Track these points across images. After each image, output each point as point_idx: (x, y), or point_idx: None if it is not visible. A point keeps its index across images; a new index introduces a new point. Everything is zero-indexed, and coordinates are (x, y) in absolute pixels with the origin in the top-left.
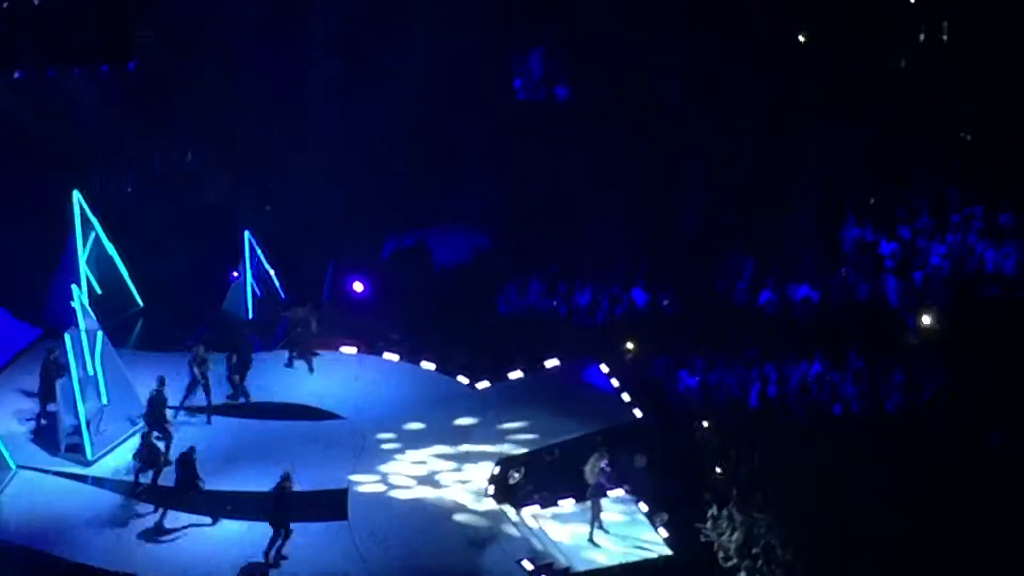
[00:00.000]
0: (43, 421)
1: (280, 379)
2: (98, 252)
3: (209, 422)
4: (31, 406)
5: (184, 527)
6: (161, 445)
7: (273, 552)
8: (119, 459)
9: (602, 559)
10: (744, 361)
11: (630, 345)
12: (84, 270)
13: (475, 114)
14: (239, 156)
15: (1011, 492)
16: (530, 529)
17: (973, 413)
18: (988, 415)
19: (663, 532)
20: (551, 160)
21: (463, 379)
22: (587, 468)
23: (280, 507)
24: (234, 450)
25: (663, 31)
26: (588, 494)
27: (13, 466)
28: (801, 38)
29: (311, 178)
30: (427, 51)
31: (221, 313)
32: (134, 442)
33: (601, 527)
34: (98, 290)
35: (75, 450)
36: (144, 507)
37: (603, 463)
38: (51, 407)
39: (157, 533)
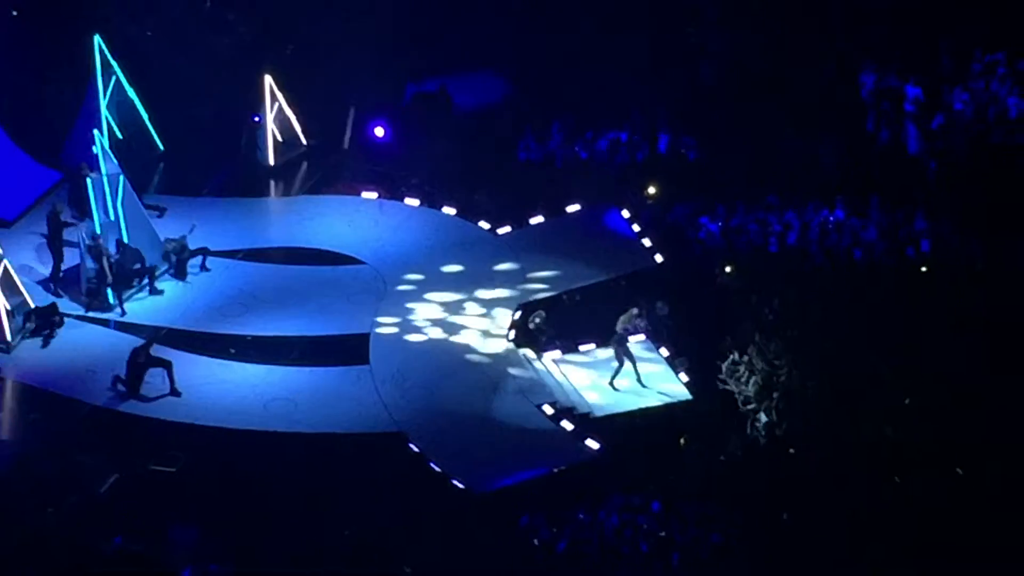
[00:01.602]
0: (61, 270)
1: (300, 225)
2: (119, 97)
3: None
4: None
5: (206, 370)
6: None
7: None
8: (141, 303)
9: (622, 405)
10: (765, 207)
11: (651, 190)
12: (105, 114)
13: None
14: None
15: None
16: (551, 374)
17: (991, 259)
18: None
19: (683, 377)
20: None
21: (484, 224)
22: (619, 321)
23: None
24: (255, 295)
25: None
26: (612, 341)
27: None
28: None
29: (333, 22)
30: None
31: (241, 156)
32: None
33: (630, 372)
34: (119, 135)
35: (96, 295)
36: (167, 350)
37: (637, 321)
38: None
39: (181, 377)
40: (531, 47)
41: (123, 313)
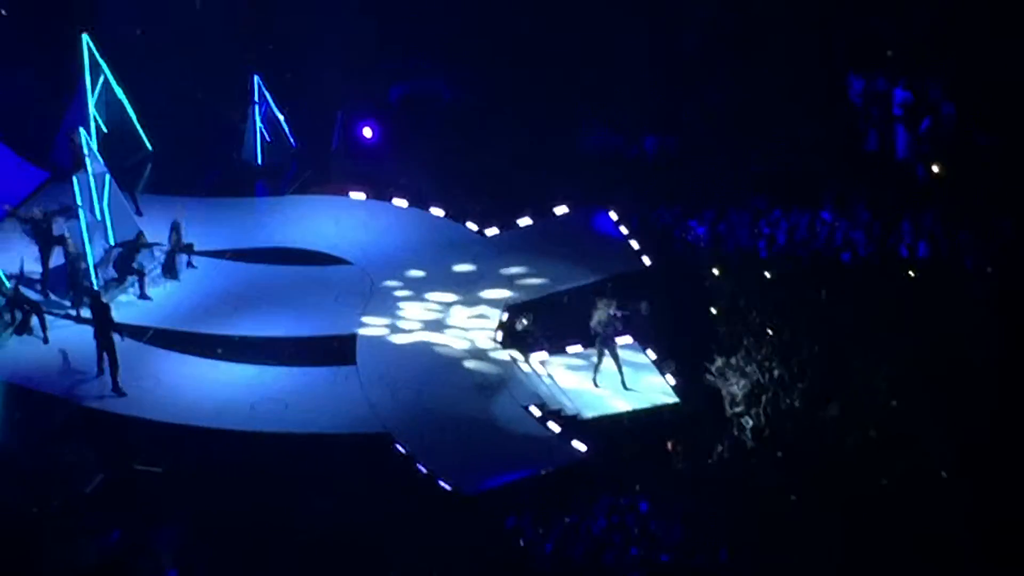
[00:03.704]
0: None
1: (288, 225)
2: (107, 96)
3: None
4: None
5: (194, 371)
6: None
7: None
8: (129, 303)
9: (609, 406)
10: (753, 210)
11: (640, 192)
12: (93, 113)
13: None
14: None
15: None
16: (538, 376)
17: (979, 262)
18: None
19: (671, 380)
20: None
21: (472, 225)
22: (594, 317)
23: None
24: (242, 295)
25: None
26: (597, 343)
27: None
28: None
29: (321, 21)
30: None
31: (230, 158)
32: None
33: (614, 373)
34: (105, 130)
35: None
36: (153, 351)
37: (613, 311)
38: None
39: (167, 377)
40: (519, 48)
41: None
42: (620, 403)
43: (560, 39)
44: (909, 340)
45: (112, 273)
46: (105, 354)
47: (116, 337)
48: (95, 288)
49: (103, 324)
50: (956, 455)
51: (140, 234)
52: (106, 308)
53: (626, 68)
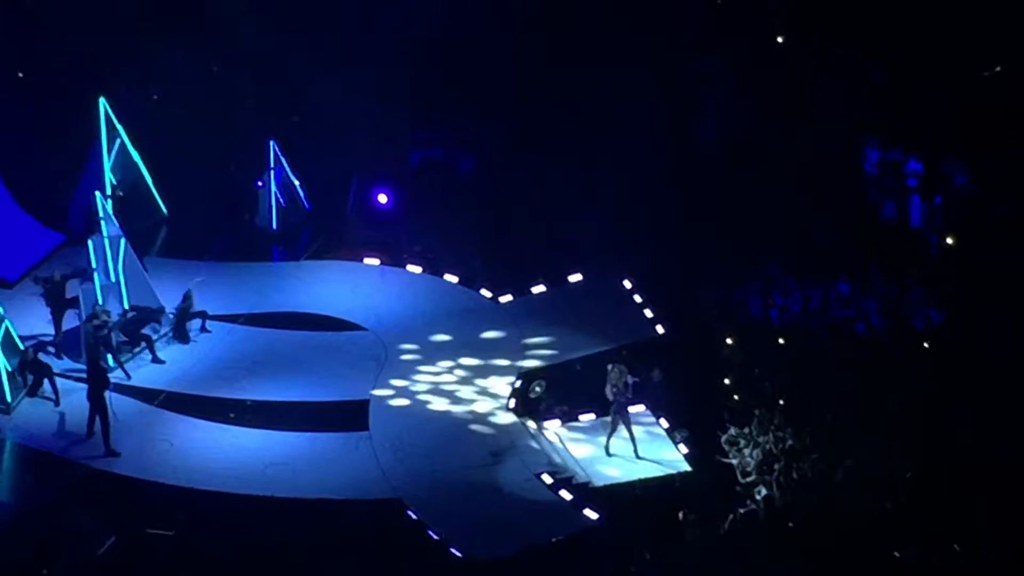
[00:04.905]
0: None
1: (303, 290)
2: (123, 159)
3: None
4: None
5: (206, 434)
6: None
7: None
8: (143, 366)
9: (621, 475)
10: (766, 279)
11: (653, 261)
12: (108, 177)
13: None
14: (266, 66)
15: None
16: (550, 443)
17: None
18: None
19: (683, 449)
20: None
21: (486, 292)
22: (608, 385)
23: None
24: (256, 359)
25: None
26: (610, 411)
27: None
28: None
29: (337, 88)
30: None
31: (244, 223)
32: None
33: (627, 440)
34: (121, 194)
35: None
36: (165, 414)
37: (628, 379)
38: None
39: (179, 440)
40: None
41: (128, 376)
42: (632, 471)
43: (576, 108)
44: (923, 412)
45: (121, 337)
46: (98, 417)
47: (109, 398)
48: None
49: (98, 387)
50: (971, 529)
51: (161, 309)
52: (103, 372)
53: (637, 134)
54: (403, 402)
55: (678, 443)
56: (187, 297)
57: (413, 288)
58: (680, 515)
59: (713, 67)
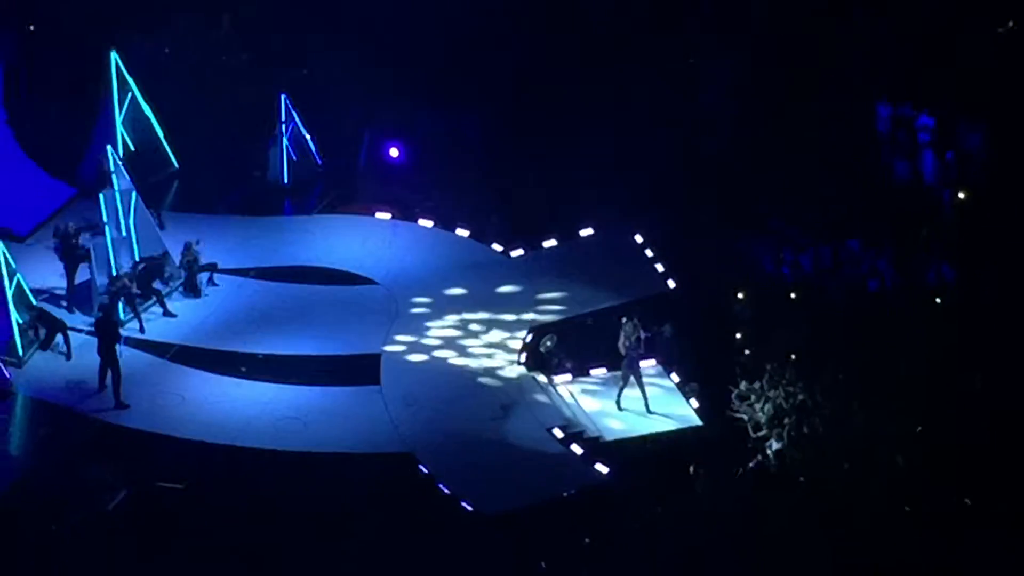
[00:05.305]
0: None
1: (314, 244)
2: (134, 113)
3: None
4: None
5: (217, 388)
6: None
7: None
8: (154, 320)
9: (632, 429)
10: (778, 236)
11: (666, 215)
12: (120, 130)
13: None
14: (277, 19)
15: None
16: (561, 398)
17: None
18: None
19: (694, 403)
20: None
21: (497, 247)
22: (621, 338)
23: None
24: (268, 314)
25: None
26: (622, 365)
27: None
28: None
29: (349, 42)
30: None
31: (254, 177)
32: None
33: (638, 396)
34: (132, 148)
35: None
36: (177, 367)
37: (640, 333)
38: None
39: (190, 394)
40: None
41: (142, 329)
42: (643, 426)
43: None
44: (934, 368)
45: (135, 290)
46: (109, 371)
47: (121, 351)
48: (107, 303)
49: (109, 341)
50: (985, 479)
51: (165, 253)
52: (114, 325)
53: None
54: (415, 356)
55: (689, 398)
56: (188, 249)
57: (424, 242)
58: (691, 469)
59: (724, 26)
